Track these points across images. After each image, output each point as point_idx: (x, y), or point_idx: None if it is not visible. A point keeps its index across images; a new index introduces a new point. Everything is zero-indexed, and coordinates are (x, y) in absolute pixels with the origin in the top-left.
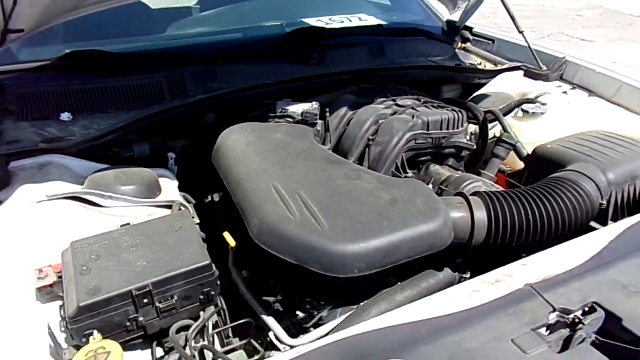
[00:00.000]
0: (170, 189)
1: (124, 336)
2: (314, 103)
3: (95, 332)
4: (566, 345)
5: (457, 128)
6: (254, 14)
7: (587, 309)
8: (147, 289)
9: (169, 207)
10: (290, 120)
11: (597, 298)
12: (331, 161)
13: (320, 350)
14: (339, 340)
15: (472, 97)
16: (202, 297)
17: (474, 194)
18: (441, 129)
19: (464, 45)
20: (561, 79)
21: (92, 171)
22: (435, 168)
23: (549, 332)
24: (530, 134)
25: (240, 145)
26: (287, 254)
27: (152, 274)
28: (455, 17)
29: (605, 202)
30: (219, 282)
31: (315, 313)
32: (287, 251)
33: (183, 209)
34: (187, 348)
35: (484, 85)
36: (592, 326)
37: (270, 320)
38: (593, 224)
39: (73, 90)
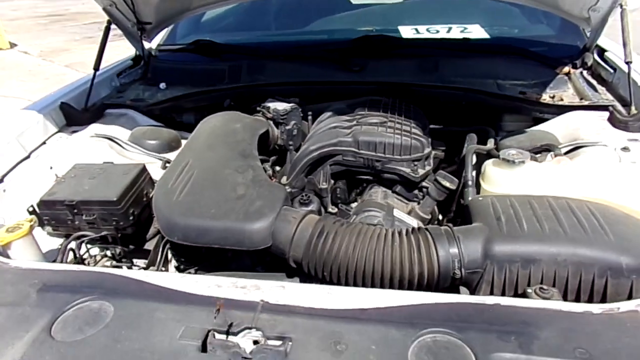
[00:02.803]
0: None
1: (69, 230)
2: (289, 105)
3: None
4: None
5: (400, 155)
6: (365, 18)
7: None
8: (74, 203)
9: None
10: (259, 115)
11: (295, 338)
12: (241, 154)
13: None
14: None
15: (505, 132)
16: (114, 222)
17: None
18: (375, 151)
19: (569, 70)
20: None
21: (146, 124)
22: (373, 190)
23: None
24: (499, 183)
25: (206, 126)
26: (157, 218)
27: (82, 194)
28: None
29: (458, 272)
30: (131, 217)
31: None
32: (156, 214)
33: (168, 165)
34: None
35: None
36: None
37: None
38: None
39: (178, 67)
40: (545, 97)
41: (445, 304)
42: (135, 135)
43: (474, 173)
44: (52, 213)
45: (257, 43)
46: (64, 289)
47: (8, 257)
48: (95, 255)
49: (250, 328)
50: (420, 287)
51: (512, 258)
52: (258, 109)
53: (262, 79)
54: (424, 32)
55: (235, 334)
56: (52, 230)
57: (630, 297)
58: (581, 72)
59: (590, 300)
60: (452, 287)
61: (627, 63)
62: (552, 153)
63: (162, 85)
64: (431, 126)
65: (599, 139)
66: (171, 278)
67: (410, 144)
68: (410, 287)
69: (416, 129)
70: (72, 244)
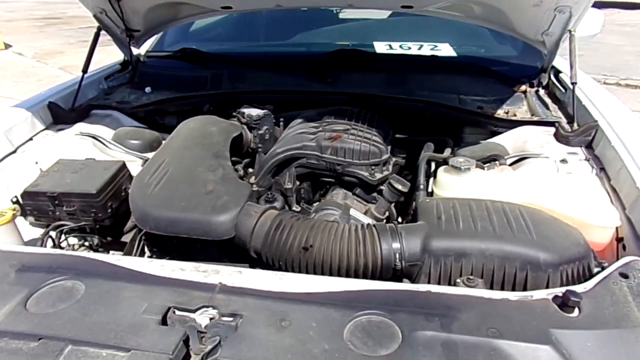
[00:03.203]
0: None
1: (50, 221)
2: (263, 111)
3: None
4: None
5: (359, 159)
6: (344, 33)
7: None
8: (55, 194)
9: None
10: (235, 119)
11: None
12: (214, 154)
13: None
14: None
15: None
16: (92, 214)
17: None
18: (336, 156)
19: (526, 88)
20: (589, 146)
21: (130, 125)
22: (335, 191)
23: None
24: (448, 188)
25: (184, 128)
26: (132, 209)
27: (64, 187)
28: None
29: (399, 264)
30: (109, 210)
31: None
32: (132, 205)
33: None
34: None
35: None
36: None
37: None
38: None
39: (164, 73)
40: (500, 113)
41: (382, 291)
42: (119, 135)
43: (427, 178)
44: (34, 204)
45: (239, 53)
46: (40, 270)
47: None
48: (73, 245)
49: (207, 306)
50: (365, 276)
51: (447, 252)
52: (234, 114)
53: (241, 87)
54: (397, 48)
55: (193, 311)
56: (34, 221)
57: (547, 289)
58: (537, 91)
59: (513, 290)
60: (394, 277)
61: (572, 84)
62: (497, 162)
63: (148, 89)
64: (397, 135)
65: (543, 151)
66: (140, 262)
67: (368, 150)
68: (356, 277)
69: (377, 136)
70: (52, 233)
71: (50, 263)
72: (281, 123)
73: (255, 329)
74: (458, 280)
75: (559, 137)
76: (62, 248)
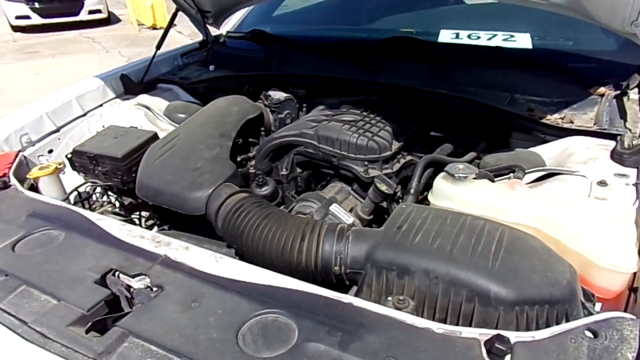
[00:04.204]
0: None
1: (91, 177)
2: (284, 95)
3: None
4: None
5: (354, 153)
6: (414, 19)
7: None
8: (93, 155)
9: None
10: (260, 102)
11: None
12: (220, 133)
13: None
14: None
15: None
16: (119, 177)
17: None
18: (332, 147)
19: (605, 91)
20: None
21: (187, 99)
22: (332, 184)
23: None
24: (442, 196)
25: (210, 105)
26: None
27: (100, 149)
28: None
29: (338, 269)
30: (133, 174)
31: (165, 228)
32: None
33: None
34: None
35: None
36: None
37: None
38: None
39: (231, 52)
40: (552, 118)
41: (301, 292)
42: (169, 108)
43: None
44: (80, 161)
45: (300, 36)
46: (42, 217)
47: (37, 190)
48: (99, 201)
49: (144, 274)
50: (304, 275)
51: (390, 266)
52: (260, 96)
53: (287, 69)
54: (464, 37)
55: (131, 277)
56: (82, 176)
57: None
58: (621, 95)
59: (457, 322)
60: (339, 282)
61: None
62: (511, 175)
63: (211, 67)
64: (432, 133)
65: (583, 168)
66: (113, 225)
67: (365, 145)
68: (294, 274)
69: (385, 131)
70: (81, 188)
71: (52, 213)
72: (304, 108)
73: (167, 304)
74: (389, 298)
75: (614, 154)
76: (90, 203)
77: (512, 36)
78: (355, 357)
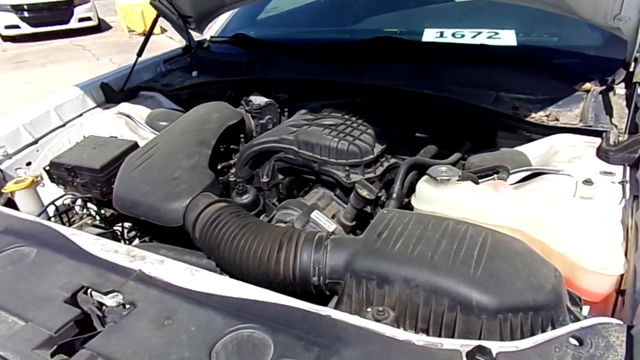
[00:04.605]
0: None
1: (71, 189)
2: (265, 100)
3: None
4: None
5: (335, 158)
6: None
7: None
8: (70, 167)
9: None
10: (241, 108)
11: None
12: (199, 141)
13: None
14: None
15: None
16: (98, 188)
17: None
18: (312, 152)
19: (591, 87)
20: (635, 165)
21: (169, 107)
22: (314, 190)
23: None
24: (425, 200)
25: (191, 112)
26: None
27: (78, 160)
28: None
29: (317, 279)
30: (113, 185)
31: (146, 239)
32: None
33: None
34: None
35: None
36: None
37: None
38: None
39: (214, 58)
40: (537, 116)
41: (280, 305)
42: (151, 116)
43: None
44: (58, 173)
45: (283, 39)
46: (13, 234)
47: (14, 204)
48: (79, 214)
49: (117, 291)
50: (282, 287)
51: (370, 275)
52: (241, 102)
53: (270, 73)
54: (448, 36)
55: (104, 294)
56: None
57: (480, 339)
58: (606, 90)
59: (439, 334)
60: (320, 294)
61: (633, 83)
62: (495, 176)
63: (194, 73)
64: (417, 134)
65: (568, 167)
66: (87, 239)
67: (346, 149)
68: (273, 285)
69: (367, 134)
70: (60, 201)
71: (25, 228)
72: (286, 113)
73: (139, 322)
74: (369, 309)
75: (600, 151)
76: (68, 216)
77: (496, 33)
78: None
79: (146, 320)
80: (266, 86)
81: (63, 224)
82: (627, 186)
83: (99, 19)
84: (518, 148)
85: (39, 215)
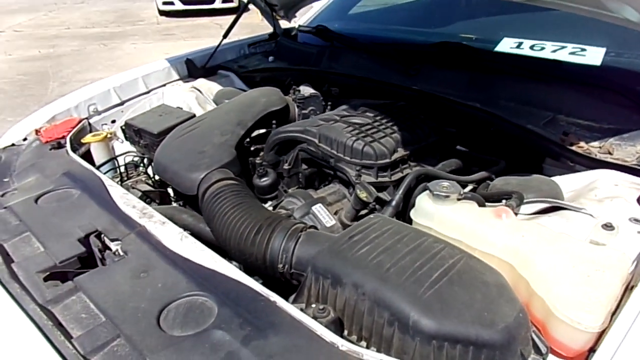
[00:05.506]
0: None
1: (137, 148)
2: (310, 92)
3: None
4: None
5: (349, 157)
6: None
7: None
8: (137, 129)
9: None
10: (289, 96)
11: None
12: (237, 122)
13: None
14: None
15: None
16: (154, 152)
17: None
18: (331, 148)
19: None
20: None
21: (240, 87)
22: (331, 185)
23: None
24: (421, 213)
25: (245, 94)
26: None
27: (143, 124)
28: None
29: (282, 267)
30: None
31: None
32: None
33: None
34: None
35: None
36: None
37: None
38: None
39: (291, 46)
40: (588, 146)
41: (238, 282)
42: (218, 94)
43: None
44: (129, 132)
45: (358, 34)
46: (70, 177)
47: (90, 153)
48: (136, 171)
49: (119, 240)
50: (256, 267)
51: (326, 273)
52: (290, 90)
53: (334, 67)
54: (526, 47)
55: (111, 240)
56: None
57: None
58: None
59: (379, 348)
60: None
61: None
62: (504, 202)
63: (271, 58)
64: (458, 147)
65: (597, 207)
66: (119, 192)
67: (361, 149)
68: (248, 264)
69: (390, 138)
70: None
71: (79, 174)
72: (328, 107)
73: (122, 270)
74: (313, 305)
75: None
76: (128, 173)
77: (583, 50)
78: (251, 354)
79: (127, 269)
80: (325, 79)
81: (122, 177)
82: None
83: (239, 1)
84: (556, 178)
85: (101, 166)
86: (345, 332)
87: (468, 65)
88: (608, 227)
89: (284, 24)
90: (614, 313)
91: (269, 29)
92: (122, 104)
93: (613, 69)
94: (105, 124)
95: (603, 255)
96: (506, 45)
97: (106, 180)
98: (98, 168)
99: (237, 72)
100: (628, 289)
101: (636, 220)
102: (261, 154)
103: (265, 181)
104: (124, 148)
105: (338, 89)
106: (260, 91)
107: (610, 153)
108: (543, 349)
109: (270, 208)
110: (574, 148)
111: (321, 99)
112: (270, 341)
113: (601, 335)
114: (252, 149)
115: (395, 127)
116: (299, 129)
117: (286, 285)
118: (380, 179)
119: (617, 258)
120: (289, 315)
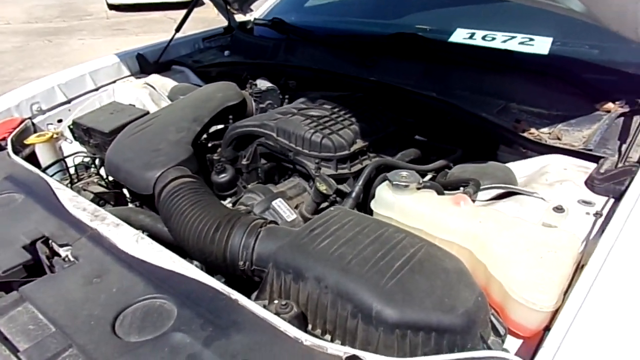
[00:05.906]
0: None
1: (87, 149)
2: (266, 86)
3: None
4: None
5: (308, 150)
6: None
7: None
8: (86, 127)
9: None
10: (246, 91)
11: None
12: (193, 118)
13: None
14: None
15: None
16: (105, 151)
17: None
18: (289, 141)
19: (613, 107)
20: (620, 198)
21: (195, 83)
22: (291, 179)
23: None
24: (381, 204)
25: (201, 89)
26: None
27: (93, 123)
28: None
29: (242, 264)
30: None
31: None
32: None
33: None
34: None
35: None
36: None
37: None
38: None
39: (246, 39)
40: (538, 132)
41: (198, 282)
42: (173, 90)
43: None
44: (78, 132)
45: (314, 27)
46: (13, 180)
47: (35, 155)
48: (87, 172)
49: (69, 245)
50: (216, 266)
51: (287, 268)
52: (247, 84)
53: (290, 60)
54: (478, 38)
55: (59, 245)
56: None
57: (376, 352)
58: (635, 113)
59: (343, 342)
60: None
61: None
62: (462, 190)
63: (226, 52)
64: (417, 137)
65: (548, 191)
66: (67, 194)
67: (319, 142)
68: (208, 262)
69: (349, 130)
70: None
71: (23, 177)
72: (286, 100)
73: (72, 276)
74: (276, 301)
75: (588, 178)
76: (78, 174)
77: (531, 39)
78: (213, 355)
79: (79, 275)
80: (282, 72)
81: (72, 179)
82: (600, 220)
83: None
84: (510, 164)
85: (47, 168)
86: (310, 327)
87: (423, 55)
88: (559, 209)
89: (239, 17)
90: (566, 292)
91: (225, 23)
92: (68, 102)
93: (560, 57)
94: (51, 124)
95: (555, 236)
96: (459, 35)
97: (53, 182)
98: (44, 170)
99: (192, 67)
100: (579, 268)
101: (584, 202)
102: (219, 150)
103: (223, 177)
104: (73, 149)
105: (295, 82)
106: (217, 86)
107: (559, 138)
108: (502, 331)
109: (230, 205)
110: (525, 135)
111: (278, 92)
112: (233, 340)
113: (555, 313)
114: (209, 145)
115: (353, 119)
116: (256, 123)
117: (248, 282)
118: (339, 171)
119: (568, 239)
120: (252, 313)
